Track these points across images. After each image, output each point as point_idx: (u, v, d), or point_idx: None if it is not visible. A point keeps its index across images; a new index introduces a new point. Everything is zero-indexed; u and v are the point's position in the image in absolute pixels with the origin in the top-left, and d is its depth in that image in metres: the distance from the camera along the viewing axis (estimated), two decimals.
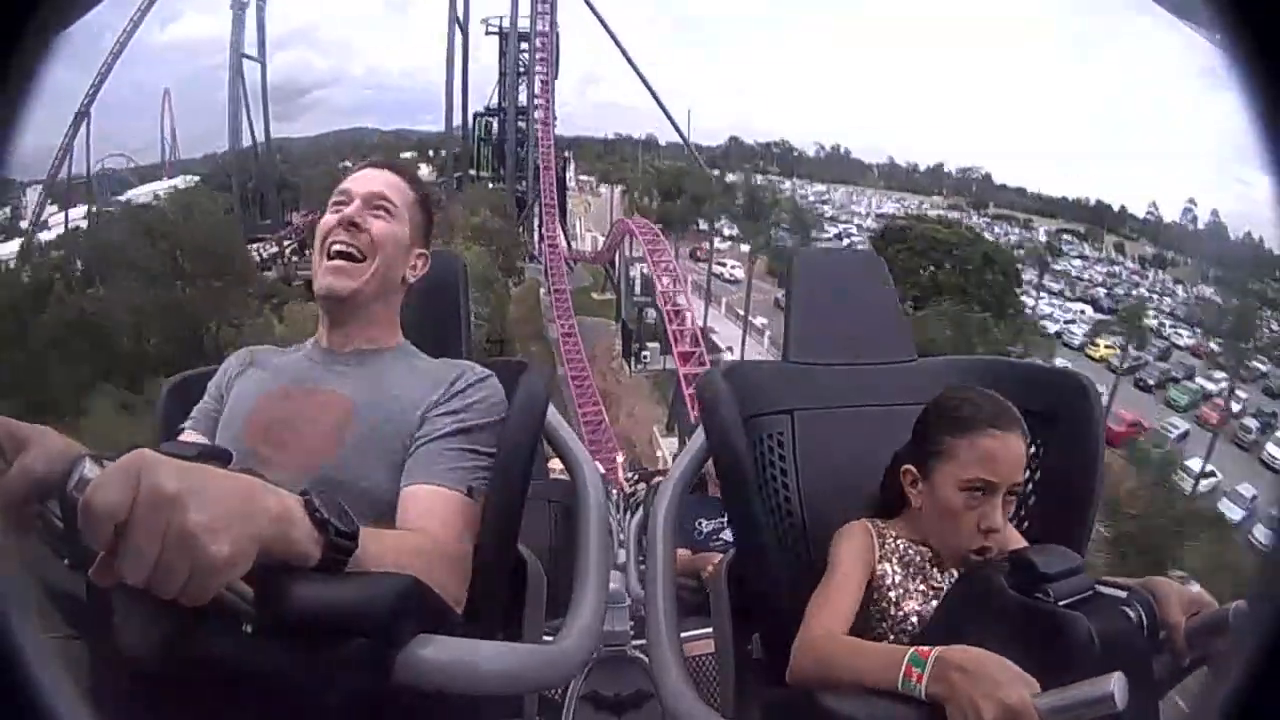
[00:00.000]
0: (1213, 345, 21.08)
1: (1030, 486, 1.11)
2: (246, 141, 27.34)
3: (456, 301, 1.19)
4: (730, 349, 21.09)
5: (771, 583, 0.99)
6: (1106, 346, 21.34)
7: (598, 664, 2.02)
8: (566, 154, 30.23)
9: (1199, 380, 20.58)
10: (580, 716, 1.87)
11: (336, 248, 0.98)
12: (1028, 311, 23.13)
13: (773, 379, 1.16)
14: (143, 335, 18.40)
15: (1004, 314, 21.15)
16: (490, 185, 27.72)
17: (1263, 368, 19.14)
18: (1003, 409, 0.92)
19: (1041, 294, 24.76)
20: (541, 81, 28.12)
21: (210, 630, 0.58)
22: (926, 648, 0.73)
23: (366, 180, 1.03)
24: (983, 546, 0.90)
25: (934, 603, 0.93)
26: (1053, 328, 23.31)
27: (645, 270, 22.35)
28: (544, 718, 1.88)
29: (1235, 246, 22.17)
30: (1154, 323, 22.74)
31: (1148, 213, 27.05)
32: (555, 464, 2.15)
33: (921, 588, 0.95)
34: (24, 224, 23.33)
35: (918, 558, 0.97)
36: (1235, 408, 19.00)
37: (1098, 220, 29.02)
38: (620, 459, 8.31)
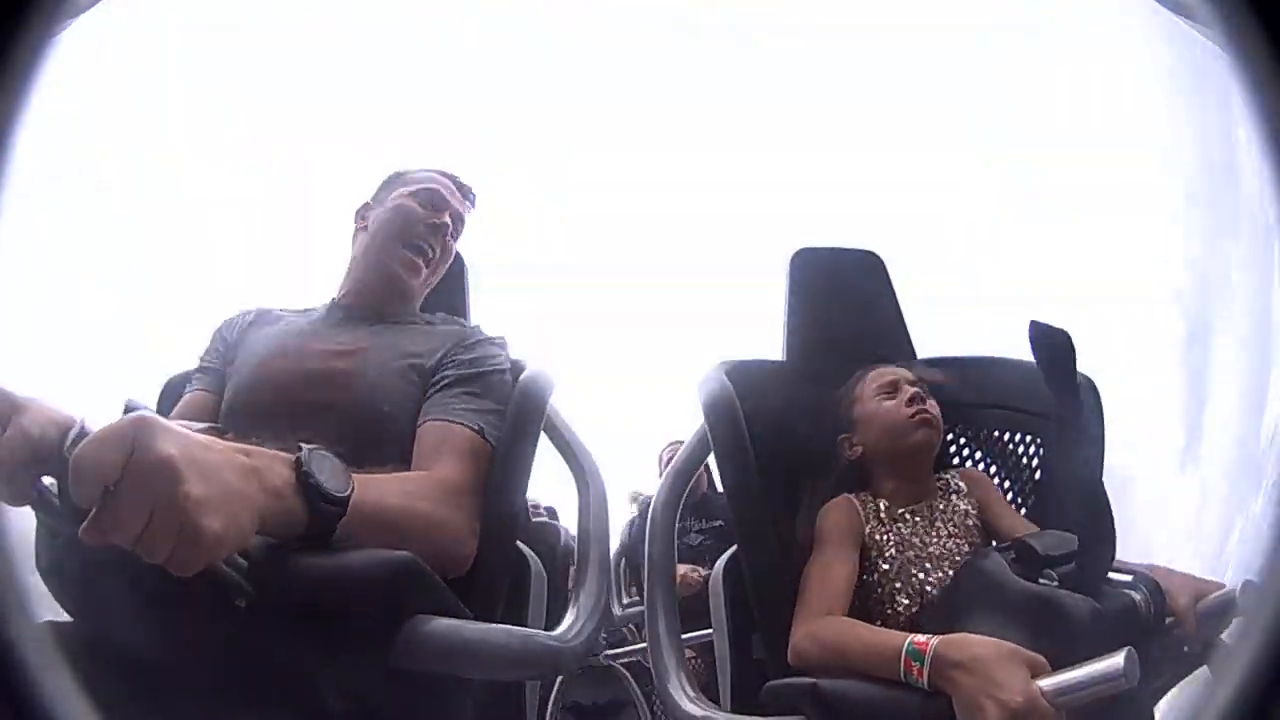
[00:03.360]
0: None
1: (1029, 487, 1.11)
2: None
3: (460, 298, 1.21)
4: None
5: (771, 581, 0.99)
6: None
7: (575, 674, 2.01)
8: None
9: None
10: None
11: (419, 244, 1.07)
12: None
13: (773, 378, 1.16)
14: None
15: None
16: None
17: None
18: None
19: None
20: None
21: (202, 605, 0.57)
22: (923, 638, 0.73)
23: (457, 199, 1.13)
24: (917, 407, 1.01)
25: (921, 559, 0.94)
26: None
27: None
28: None
29: None
30: None
31: None
32: None
33: (916, 542, 0.96)
34: None
35: (897, 510, 0.99)
36: None
37: None
38: None
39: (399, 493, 0.75)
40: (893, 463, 1.03)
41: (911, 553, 0.95)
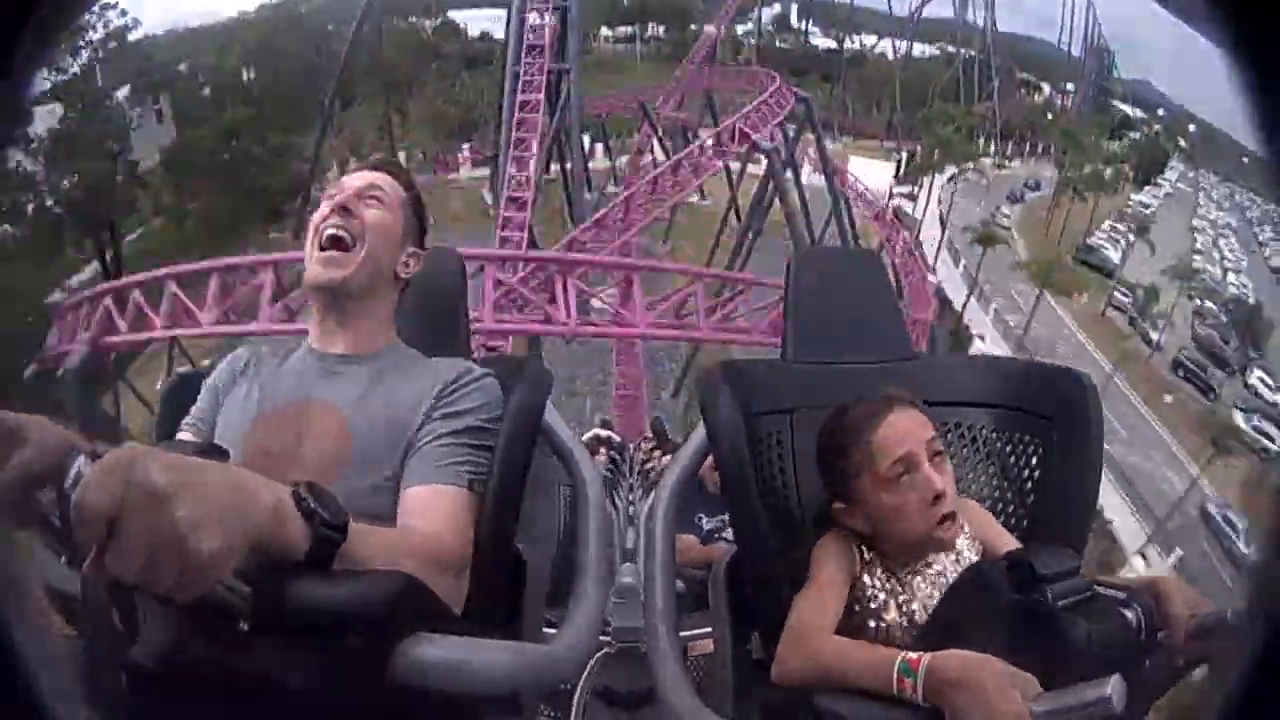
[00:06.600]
0: None
1: (1029, 486, 1.11)
2: None
3: (455, 300, 1.19)
4: None
5: (771, 582, 0.99)
6: None
7: (611, 659, 2.00)
8: None
9: None
10: (592, 712, 1.86)
11: (329, 233, 0.98)
12: None
13: (772, 378, 1.16)
14: None
15: None
16: None
17: None
18: (873, 397, 0.94)
19: None
20: None
21: (206, 627, 0.58)
22: (915, 655, 0.73)
23: (359, 175, 1.05)
24: (941, 517, 0.89)
25: (915, 607, 0.92)
26: None
27: None
28: (552, 712, 1.87)
29: None
30: None
31: None
32: None
33: (904, 597, 0.93)
34: None
35: (903, 572, 0.94)
36: None
37: None
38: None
39: (389, 548, 0.74)
40: (899, 545, 0.94)
41: (897, 600, 0.92)
